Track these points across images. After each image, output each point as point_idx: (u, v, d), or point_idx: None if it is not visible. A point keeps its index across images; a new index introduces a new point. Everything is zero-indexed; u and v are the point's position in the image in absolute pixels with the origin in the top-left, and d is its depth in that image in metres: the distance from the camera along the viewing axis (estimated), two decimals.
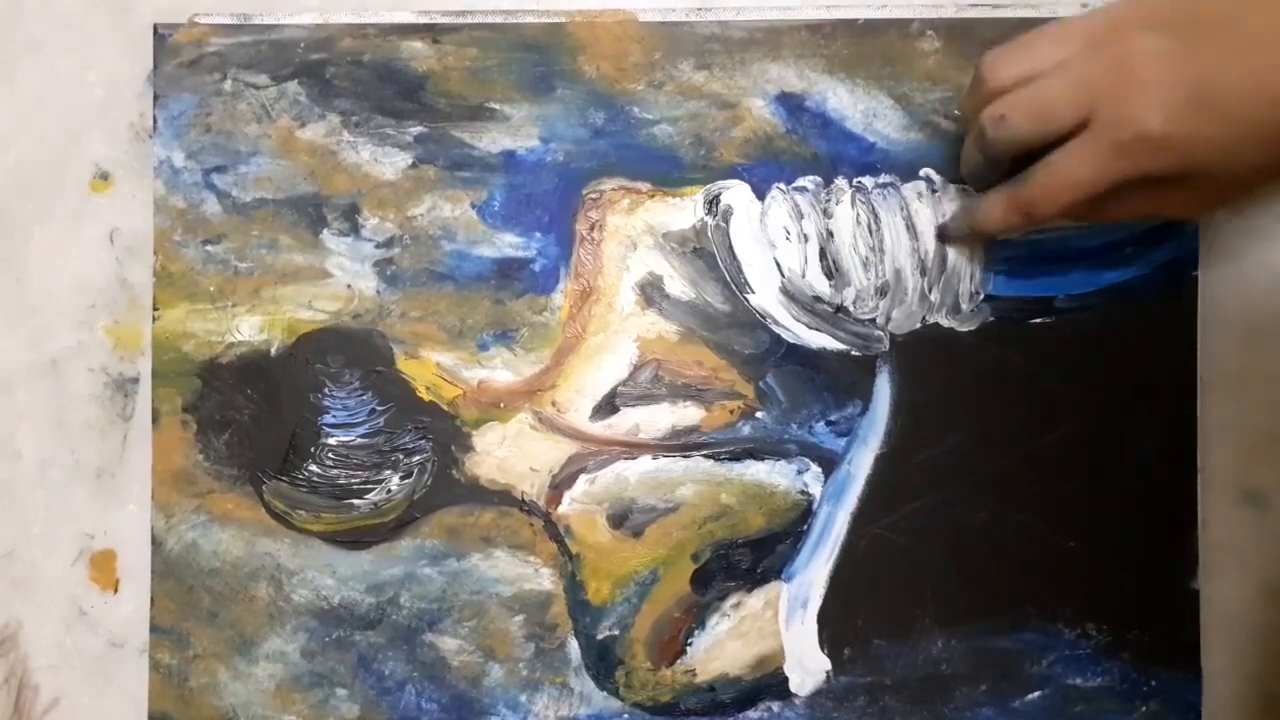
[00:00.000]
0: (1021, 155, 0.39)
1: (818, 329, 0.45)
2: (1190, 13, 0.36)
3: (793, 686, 0.45)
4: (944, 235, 0.45)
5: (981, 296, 0.45)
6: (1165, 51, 0.36)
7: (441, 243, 0.46)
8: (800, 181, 0.45)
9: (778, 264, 0.45)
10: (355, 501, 0.45)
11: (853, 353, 0.45)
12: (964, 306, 0.45)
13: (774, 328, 0.45)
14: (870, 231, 0.45)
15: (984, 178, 0.41)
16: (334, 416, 0.46)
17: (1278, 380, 0.45)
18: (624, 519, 0.45)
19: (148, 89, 0.46)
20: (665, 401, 0.45)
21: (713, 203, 0.45)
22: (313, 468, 0.46)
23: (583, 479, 0.45)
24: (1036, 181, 0.39)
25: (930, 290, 0.45)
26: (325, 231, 0.46)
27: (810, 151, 0.45)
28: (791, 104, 0.45)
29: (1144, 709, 0.44)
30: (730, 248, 0.45)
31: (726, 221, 0.45)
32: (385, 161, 0.46)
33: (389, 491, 0.45)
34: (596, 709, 0.45)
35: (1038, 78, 0.38)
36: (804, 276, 0.45)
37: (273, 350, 0.46)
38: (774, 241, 0.45)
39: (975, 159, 0.41)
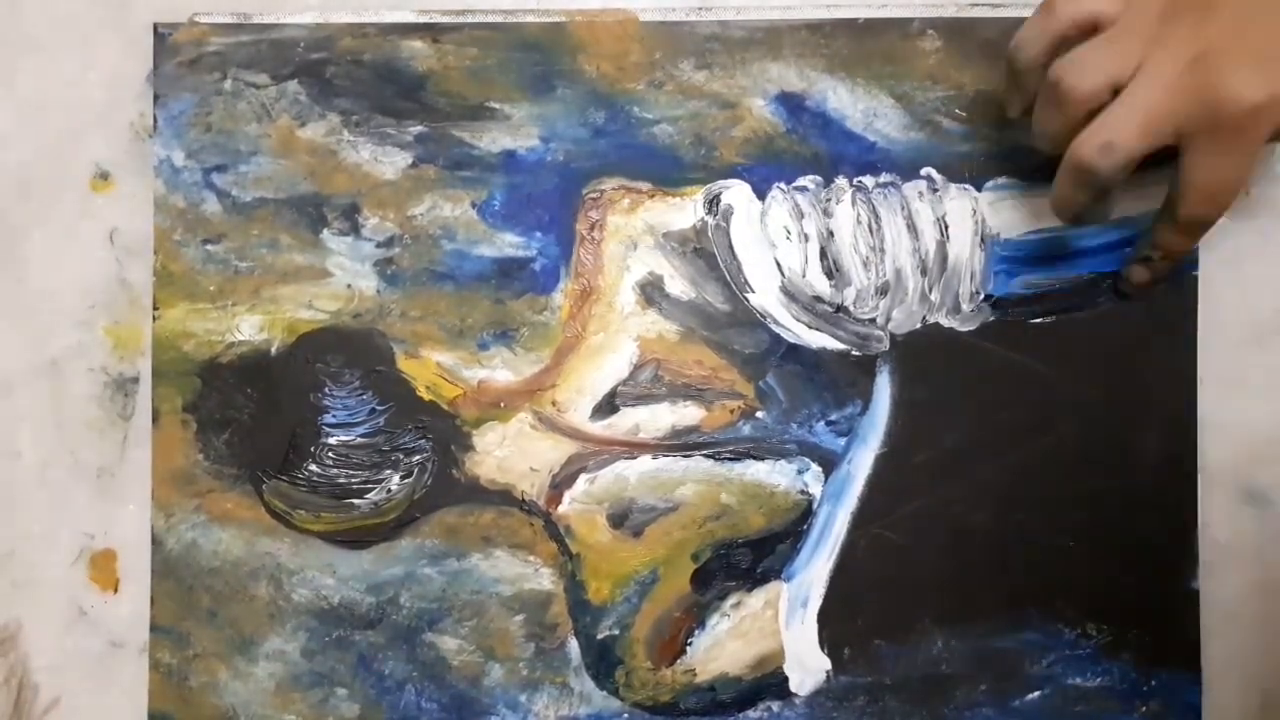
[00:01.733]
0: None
1: (818, 329, 0.45)
2: None
3: (793, 686, 0.45)
4: (1131, 283, 0.44)
5: (981, 296, 0.45)
6: (1224, 28, 0.37)
7: (441, 242, 0.46)
8: (800, 181, 0.45)
9: (778, 264, 0.45)
10: (355, 501, 0.45)
11: (853, 353, 0.45)
12: (964, 306, 0.45)
13: (774, 327, 0.45)
14: (871, 231, 0.45)
15: (1095, 212, 0.41)
16: (334, 416, 0.46)
17: (1278, 380, 0.45)
18: (624, 519, 0.45)
19: (148, 89, 0.46)
20: (665, 401, 0.45)
21: (713, 202, 0.45)
22: (313, 467, 0.46)
23: (583, 479, 0.45)
24: (1197, 197, 0.39)
25: (930, 290, 0.45)
26: (325, 231, 0.46)
27: (810, 151, 0.45)
28: (792, 104, 0.45)
29: (1144, 709, 0.44)
30: (730, 247, 0.45)
31: (727, 221, 0.45)
32: (385, 161, 0.46)
33: (389, 491, 0.45)
34: (596, 709, 0.45)
35: (1120, 88, 0.38)
36: (804, 276, 0.45)
37: (273, 350, 0.46)
38: (774, 241, 0.45)
39: (1080, 199, 0.40)
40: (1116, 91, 0.38)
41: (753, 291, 0.45)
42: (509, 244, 0.46)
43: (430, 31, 0.46)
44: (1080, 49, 0.39)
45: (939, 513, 0.45)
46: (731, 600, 0.45)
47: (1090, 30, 0.39)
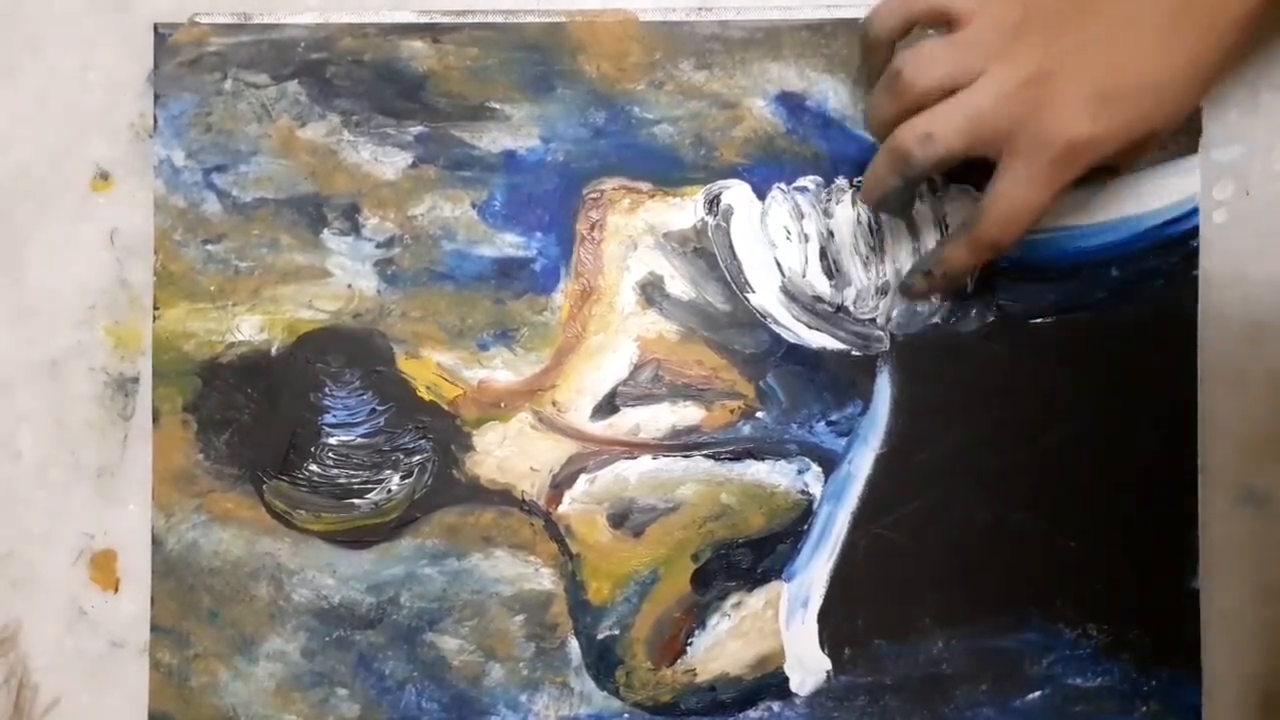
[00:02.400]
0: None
1: (818, 329, 0.45)
2: (1076, 5, 0.38)
3: (793, 686, 0.45)
4: (910, 292, 0.44)
5: (981, 297, 0.45)
6: (1069, 56, 0.37)
7: (442, 242, 0.46)
8: (801, 181, 0.45)
9: (778, 264, 0.45)
10: (355, 501, 0.45)
11: (853, 353, 0.45)
12: (964, 307, 0.45)
13: (774, 328, 0.45)
14: (870, 231, 0.45)
15: (900, 200, 0.41)
16: (334, 416, 0.46)
17: (1278, 380, 0.45)
18: (624, 519, 0.45)
19: (148, 89, 0.46)
20: (665, 401, 0.45)
21: (713, 203, 0.45)
22: (313, 467, 0.46)
23: (583, 479, 0.45)
24: (993, 218, 0.39)
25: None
26: (325, 231, 0.46)
27: (811, 151, 0.45)
28: (792, 104, 0.45)
29: (1144, 709, 0.44)
30: (731, 247, 0.45)
31: (727, 221, 0.45)
32: (385, 161, 0.46)
33: (389, 491, 0.45)
34: (597, 709, 0.45)
35: (957, 88, 0.38)
36: (804, 276, 0.45)
37: (273, 350, 0.46)
38: (774, 241, 0.45)
39: (892, 182, 0.40)
40: (952, 93, 0.39)
41: (753, 291, 0.45)
42: (509, 244, 0.46)
43: (430, 31, 0.46)
44: (928, 43, 0.39)
45: (939, 513, 0.45)
46: (732, 600, 0.45)
47: (942, 22, 0.39)
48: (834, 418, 0.45)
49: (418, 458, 0.45)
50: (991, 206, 0.39)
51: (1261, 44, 0.45)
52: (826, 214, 0.45)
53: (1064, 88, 0.37)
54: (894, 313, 0.45)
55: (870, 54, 0.42)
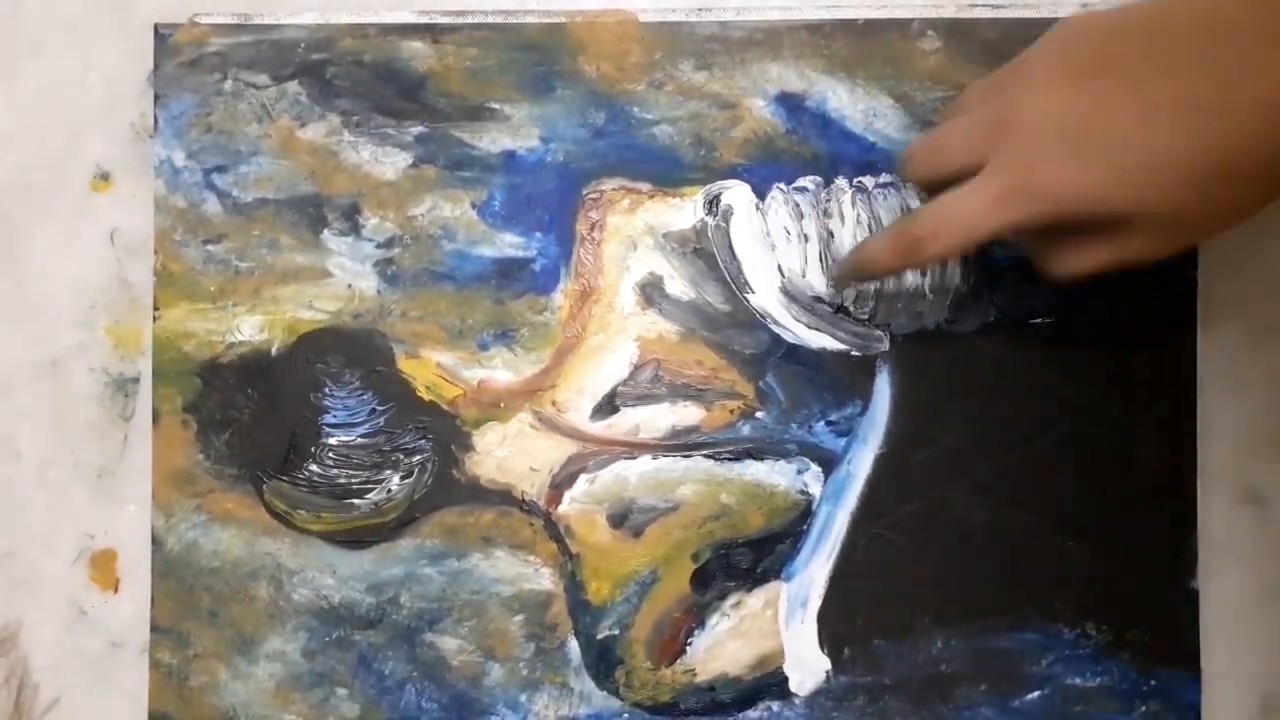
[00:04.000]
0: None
1: (818, 329, 0.45)
2: (1085, 65, 0.35)
3: (793, 686, 0.45)
4: (836, 281, 0.44)
5: (981, 297, 0.45)
6: (1052, 101, 0.35)
7: (442, 243, 0.46)
8: (800, 181, 0.45)
9: (778, 264, 0.45)
10: (355, 501, 0.45)
11: (853, 353, 0.45)
12: (964, 307, 0.45)
13: (774, 328, 0.45)
14: (871, 231, 0.45)
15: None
16: (334, 416, 0.46)
17: (1278, 380, 0.45)
18: (624, 519, 0.45)
19: (148, 89, 0.46)
20: (665, 401, 0.45)
21: (713, 203, 0.45)
22: (313, 467, 0.46)
23: (583, 479, 0.45)
24: (924, 219, 0.38)
25: (930, 290, 0.45)
26: (326, 231, 0.46)
27: (810, 151, 0.45)
28: (792, 104, 0.45)
29: (1144, 709, 0.44)
30: (730, 248, 0.45)
31: (727, 221, 0.45)
32: (385, 161, 0.46)
33: (389, 491, 0.45)
34: (596, 709, 0.45)
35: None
36: (804, 276, 0.45)
37: (273, 350, 0.46)
38: (774, 242, 0.45)
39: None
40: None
41: (753, 292, 0.45)
42: (509, 244, 0.46)
43: (430, 32, 0.46)
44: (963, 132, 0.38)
45: (939, 513, 0.45)
46: (731, 600, 0.45)
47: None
48: (833, 418, 0.45)
49: (418, 458, 0.45)
50: (928, 209, 0.38)
51: None
52: (826, 214, 0.45)
53: (1039, 130, 0.35)
54: (893, 313, 0.45)
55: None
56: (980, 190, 0.36)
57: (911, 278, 0.45)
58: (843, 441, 0.45)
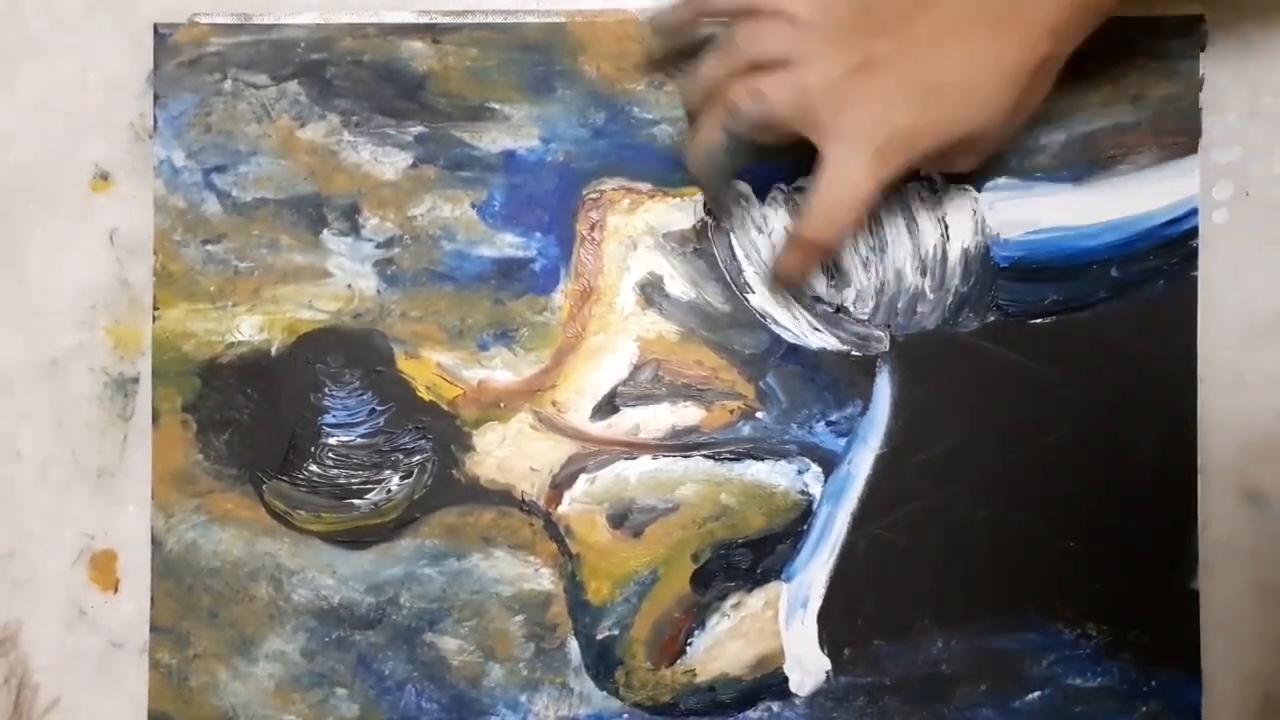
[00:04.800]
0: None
1: (818, 329, 0.45)
2: (903, 6, 0.38)
3: (793, 686, 0.45)
4: (771, 290, 0.45)
5: (981, 297, 0.45)
6: (894, 50, 0.38)
7: (441, 243, 0.46)
8: (800, 182, 0.45)
9: None
10: (355, 501, 0.45)
11: (853, 353, 0.45)
12: (964, 307, 0.45)
13: (774, 328, 0.45)
14: (870, 231, 0.45)
15: (718, 166, 0.42)
16: (334, 416, 0.46)
17: (1278, 380, 0.45)
18: (624, 519, 0.45)
19: (148, 89, 0.46)
20: (665, 401, 0.45)
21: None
22: (313, 467, 0.46)
23: (583, 479, 0.45)
24: (815, 214, 0.40)
25: (930, 290, 0.45)
26: (325, 231, 0.46)
27: (810, 151, 0.45)
28: None
29: (1144, 709, 0.44)
30: (730, 248, 0.45)
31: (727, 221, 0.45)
32: (385, 161, 0.46)
33: (389, 491, 0.45)
34: (596, 709, 0.45)
35: (793, 66, 0.39)
36: None
37: (273, 350, 0.46)
38: (774, 242, 0.45)
39: (713, 139, 0.41)
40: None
41: (753, 292, 0.45)
42: (509, 244, 0.46)
43: (430, 32, 0.46)
44: (766, 20, 0.40)
45: (939, 513, 0.45)
46: (731, 600, 0.45)
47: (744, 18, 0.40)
48: (834, 418, 0.45)
49: (417, 458, 0.45)
50: (815, 202, 0.40)
51: (1261, 46, 0.45)
52: None
53: (888, 80, 0.38)
54: (893, 313, 0.45)
55: (665, 36, 0.44)
56: (850, 163, 0.39)
57: (911, 278, 0.45)
58: (843, 441, 0.45)
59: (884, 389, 0.45)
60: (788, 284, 0.45)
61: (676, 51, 0.44)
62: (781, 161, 0.44)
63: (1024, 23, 0.38)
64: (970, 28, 0.38)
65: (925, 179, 0.45)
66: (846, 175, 0.39)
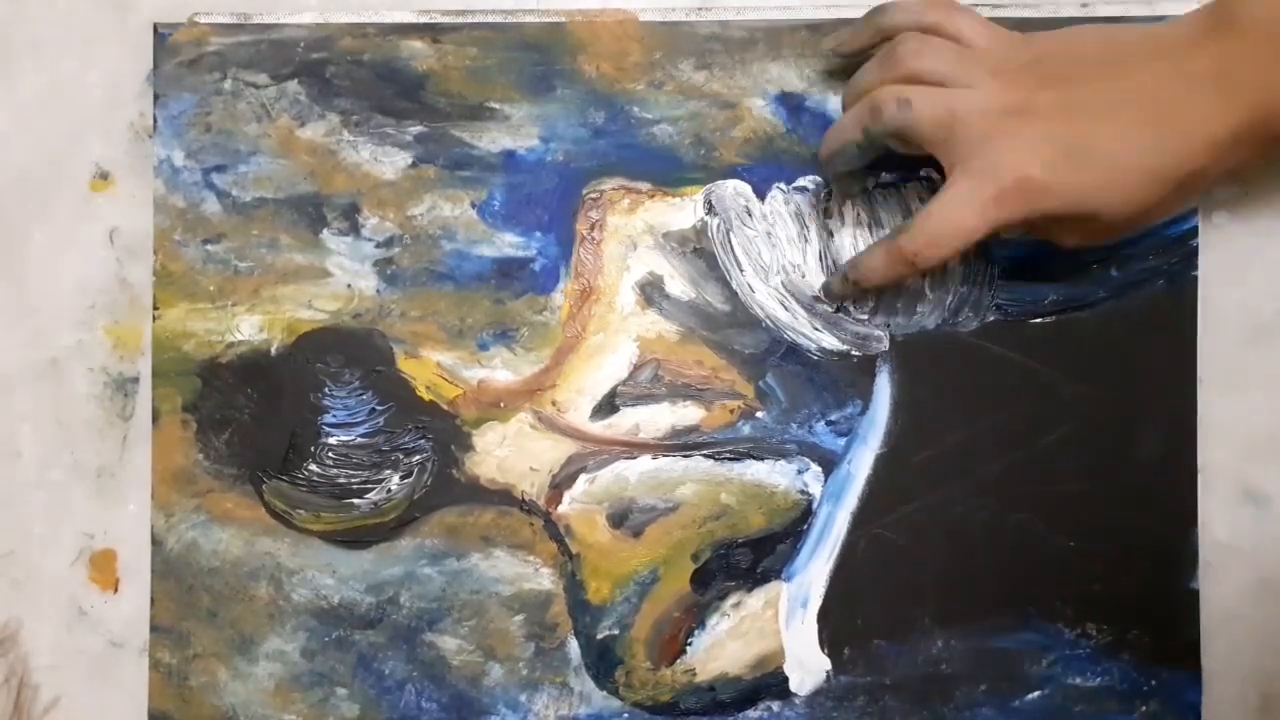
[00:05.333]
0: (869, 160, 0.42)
1: (818, 329, 0.45)
2: (1078, 71, 0.39)
3: (793, 686, 0.45)
4: (829, 293, 0.45)
5: (981, 297, 0.45)
6: (1054, 106, 0.38)
7: (441, 242, 0.46)
8: (800, 181, 0.45)
9: (778, 264, 0.45)
10: (355, 501, 0.45)
11: (853, 353, 0.45)
12: (964, 307, 0.45)
13: (774, 328, 0.45)
14: (870, 231, 0.45)
15: (847, 160, 0.42)
16: (334, 416, 0.46)
17: (1278, 380, 0.45)
18: (624, 519, 0.45)
19: (148, 89, 0.46)
20: (665, 401, 0.45)
21: (713, 203, 0.45)
22: (313, 467, 0.46)
23: (583, 479, 0.45)
24: (921, 231, 0.40)
25: (930, 290, 0.45)
26: (325, 231, 0.46)
27: (810, 151, 0.45)
28: (792, 104, 0.45)
29: (1144, 709, 0.44)
30: (730, 248, 0.45)
31: (727, 221, 0.45)
32: (385, 161, 0.46)
33: (389, 491, 0.45)
34: (596, 709, 0.45)
35: (951, 85, 0.39)
36: (804, 277, 0.45)
37: (273, 350, 0.46)
38: (774, 242, 0.45)
39: (851, 136, 0.41)
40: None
41: (753, 292, 0.45)
42: (509, 244, 0.46)
43: (430, 31, 0.46)
44: (936, 38, 0.40)
45: (939, 513, 0.45)
46: (731, 600, 0.45)
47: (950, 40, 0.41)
48: (834, 418, 0.45)
49: (417, 458, 0.45)
50: (923, 220, 0.40)
51: None
52: (826, 214, 0.45)
53: (1037, 131, 0.38)
54: (893, 312, 0.45)
55: (847, 58, 0.44)
56: (971, 195, 0.39)
57: (911, 279, 0.45)
58: (843, 441, 0.45)
59: (884, 389, 0.45)
60: (865, 286, 0.43)
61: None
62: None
63: (1187, 129, 0.38)
64: (1135, 113, 0.38)
65: (924, 178, 0.45)
66: (963, 206, 0.39)
